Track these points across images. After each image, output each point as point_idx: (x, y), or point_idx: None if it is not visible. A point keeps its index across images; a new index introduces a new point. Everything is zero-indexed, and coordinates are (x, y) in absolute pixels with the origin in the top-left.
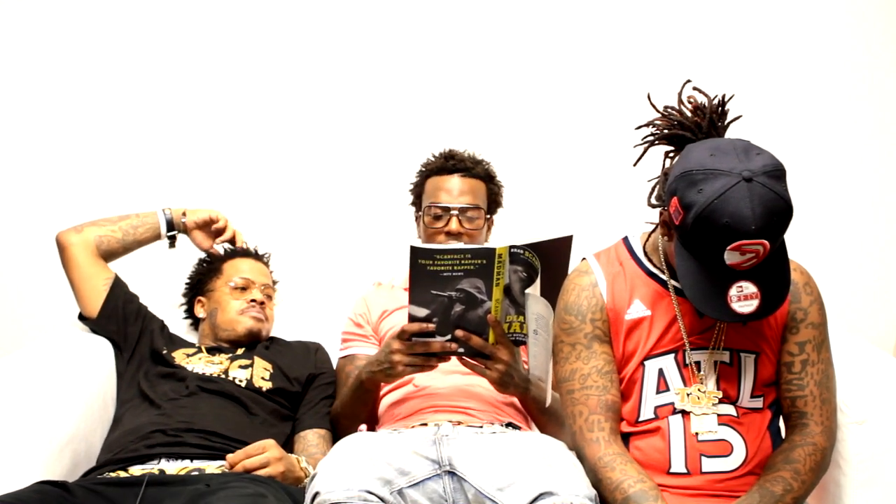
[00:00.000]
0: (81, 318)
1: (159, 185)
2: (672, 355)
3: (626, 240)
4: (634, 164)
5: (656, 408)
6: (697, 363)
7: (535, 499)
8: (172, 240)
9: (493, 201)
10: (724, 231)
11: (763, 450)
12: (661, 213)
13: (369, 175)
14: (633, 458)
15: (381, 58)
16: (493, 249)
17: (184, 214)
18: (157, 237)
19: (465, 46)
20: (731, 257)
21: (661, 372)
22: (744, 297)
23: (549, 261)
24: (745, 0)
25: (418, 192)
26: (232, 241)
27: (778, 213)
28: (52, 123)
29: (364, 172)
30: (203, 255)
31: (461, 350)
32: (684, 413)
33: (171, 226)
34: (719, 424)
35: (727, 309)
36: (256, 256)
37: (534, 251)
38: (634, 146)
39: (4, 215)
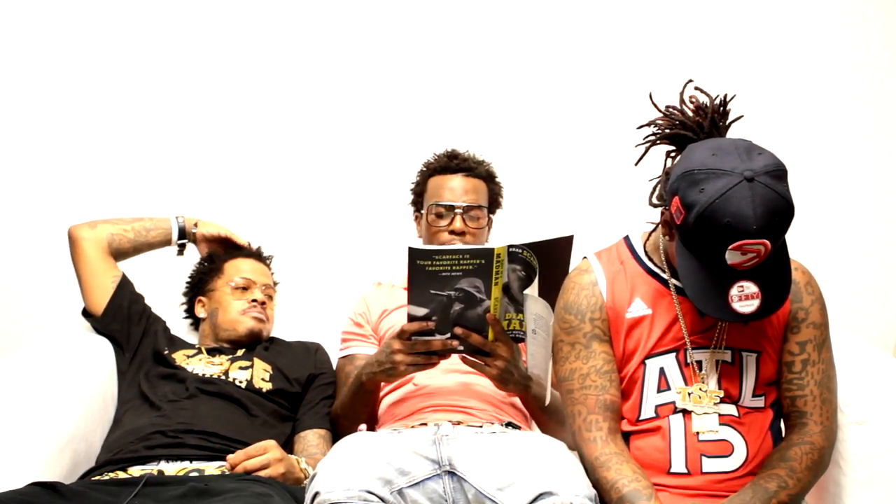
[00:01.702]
0: (85, 314)
1: (162, 186)
2: (673, 354)
3: (626, 239)
4: (636, 164)
5: (657, 407)
6: (699, 362)
7: (535, 499)
8: (182, 248)
9: (494, 201)
10: (726, 231)
11: (764, 450)
12: (662, 213)
13: (369, 176)
14: (632, 457)
15: (381, 59)
16: (492, 250)
17: (195, 225)
18: (167, 243)
19: (465, 47)
20: (732, 257)
21: (662, 371)
22: (745, 297)
23: (548, 261)
24: (746, 0)
25: (419, 190)
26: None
27: (779, 213)
28: (55, 124)
29: (363, 173)
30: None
31: (461, 347)
32: (685, 412)
33: (182, 234)
34: (720, 424)
35: (728, 309)
36: (258, 257)
37: (532, 251)
38: (636, 146)
39: (6, 216)
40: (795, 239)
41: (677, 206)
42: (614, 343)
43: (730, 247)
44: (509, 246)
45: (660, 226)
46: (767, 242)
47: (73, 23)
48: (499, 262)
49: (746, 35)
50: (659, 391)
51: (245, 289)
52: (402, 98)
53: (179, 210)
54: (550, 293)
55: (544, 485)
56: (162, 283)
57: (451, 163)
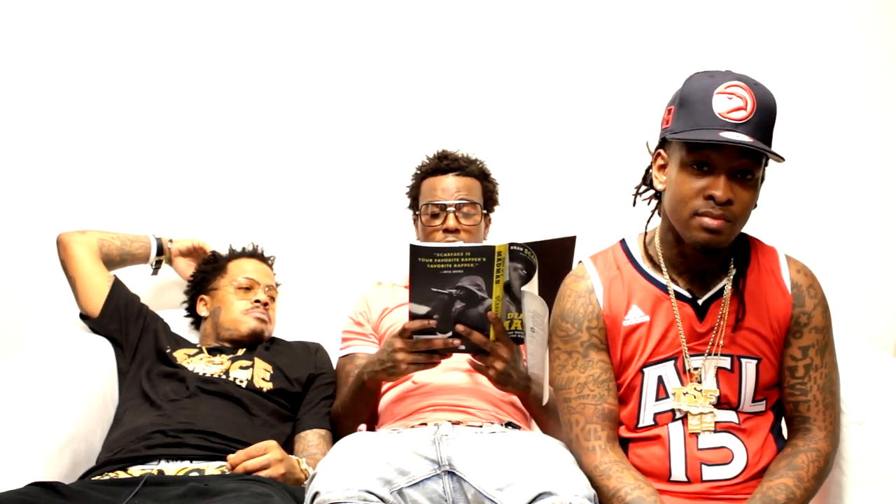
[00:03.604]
0: (83, 317)
1: (161, 188)
2: (672, 362)
3: (623, 242)
4: (634, 204)
5: (656, 415)
6: (697, 369)
7: (535, 498)
8: (158, 265)
9: (489, 199)
10: (710, 82)
11: (765, 453)
12: (655, 157)
13: (369, 176)
14: (631, 464)
15: (379, 59)
16: (493, 247)
17: (170, 241)
18: (146, 258)
19: (465, 47)
20: (719, 103)
21: (660, 379)
22: (735, 136)
23: (550, 260)
24: (745, 1)
25: (414, 193)
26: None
27: (762, 86)
28: (52, 124)
29: (363, 174)
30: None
31: (463, 347)
32: (684, 420)
33: (159, 250)
34: (720, 431)
35: (718, 138)
36: (261, 258)
37: (533, 249)
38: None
39: (4, 216)
40: (796, 239)
41: (667, 112)
42: (611, 351)
43: (716, 91)
44: (511, 244)
45: (656, 206)
46: (752, 92)
47: (63, 26)
48: (500, 260)
49: (745, 34)
50: (657, 399)
51: (248, 289)
52: (403, 98)
53: (180, 212)
54: (552, 293)
55: (544, 485)
56: (161, 283)
57: (442, 163)
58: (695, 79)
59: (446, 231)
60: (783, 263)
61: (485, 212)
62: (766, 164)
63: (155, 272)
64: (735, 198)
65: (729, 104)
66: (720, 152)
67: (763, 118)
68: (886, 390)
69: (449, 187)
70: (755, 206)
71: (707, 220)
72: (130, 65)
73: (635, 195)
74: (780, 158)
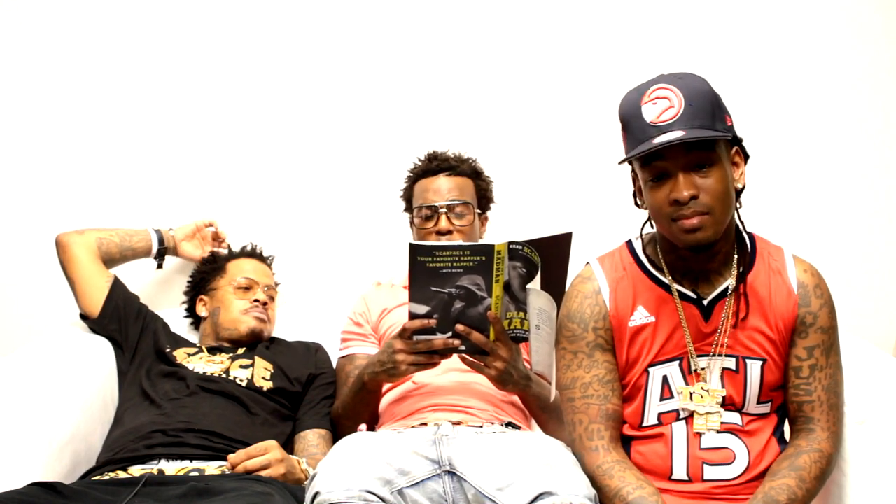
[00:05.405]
0: (83, 317)
1: (160, 189)
2: (677, 362)
3: (629, 244)
4: (642, 228)
5: (660, 414)
6: (703, 370)
7: (535, 499)
8: (161, 257)
9: (483, 197)
10: (637, 94)
11: (767, 456)
12: (634, 181)
13: (368, 177)
14: (634, 463)
15: (380, 60)
16: (492, 246)
17: (170, 230)
18: (148, 251)
19: (466, 48)
20: (648, 112)
21: (665, 379)
22: (667, 136)
23: (548, 257)
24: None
25: (408, 196)
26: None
27: (688, 76)
28: (52, 125)
29: (363, 174)
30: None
31: (463, 347)
32: (688, 420)
33: (161, 241)
34: (723, 432)
35: (651, 146)
36: (260, 258)
37: (533, 247)
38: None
39: (4, 216)
40: (797, 239)
41: (622, 137)
42: (617, 351)
43: (642, 102)
44: (510, 243)
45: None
46: (675, 90)
47: (60, 24)
48: (499, 259)
49: (746, 36)
50: (662, 399)
51: (247, 289)
52: (402, 99)
53: (180, 213)
54: (550, 290)
55: (544, 485)
56: (161, 283)
57: (432, 164)
58: (625, 98)
59: (439, 233)
60: (790, 263)
61: (479, 211)
62: (738, 143)
63: (159, 265)
64: (700, 189)
65: (656, 109)
66: (666, 158)
67: (697, 107)
68: (886, 390)
69: (440, 188)
70: (740, 186)
71: (683, 223)
72: (130, 66)
73: (644, 224)
74: (725, 136)
